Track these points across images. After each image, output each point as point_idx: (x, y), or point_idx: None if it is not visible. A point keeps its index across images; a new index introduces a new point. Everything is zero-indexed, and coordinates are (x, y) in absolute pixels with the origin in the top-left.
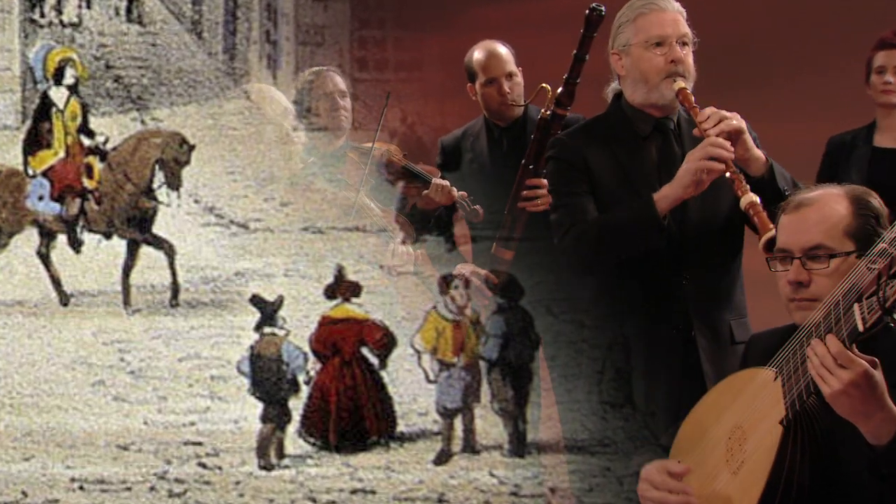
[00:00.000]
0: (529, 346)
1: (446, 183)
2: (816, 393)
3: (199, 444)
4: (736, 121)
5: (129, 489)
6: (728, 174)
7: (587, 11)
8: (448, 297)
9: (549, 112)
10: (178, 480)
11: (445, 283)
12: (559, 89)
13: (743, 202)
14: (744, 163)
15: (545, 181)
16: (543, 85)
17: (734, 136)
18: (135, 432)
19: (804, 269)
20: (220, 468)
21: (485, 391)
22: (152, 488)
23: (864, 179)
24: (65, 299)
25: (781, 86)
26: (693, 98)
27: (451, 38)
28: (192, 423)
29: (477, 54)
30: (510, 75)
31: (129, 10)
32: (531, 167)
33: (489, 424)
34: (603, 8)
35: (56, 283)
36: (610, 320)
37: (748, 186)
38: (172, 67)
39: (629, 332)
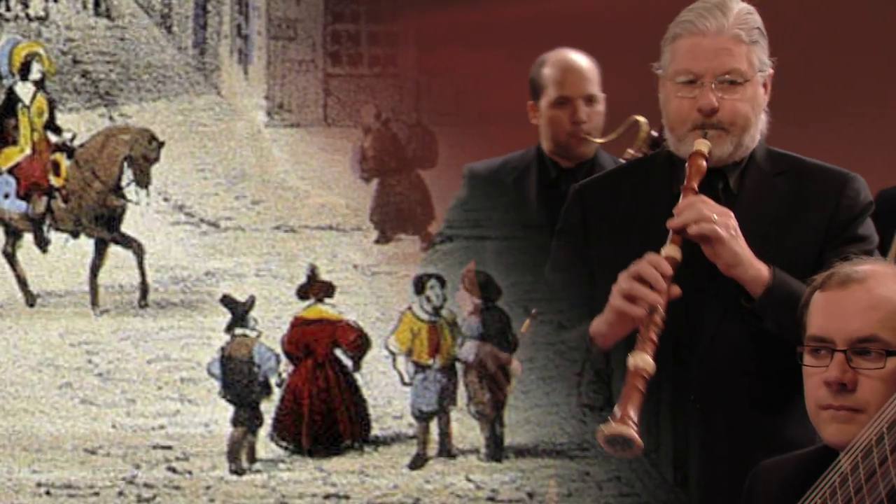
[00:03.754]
0: (507, 347)
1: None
2: None
3: (169, 447)
4: (718, 221)
5: (96, 494)
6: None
7: None
8: (424, 297)
9: (639, 156)
10: (147, 485)
11: (421, 283)
12: (657, 127)
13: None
14: (729, 274)
15: None
16: (637, 118)
17: (709, 242)
18: (103, 436)
19: (849, 366)
20: (190, 472)
21: (461, 394)
22: (121, 493)
23: None
24: (31, 300)
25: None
26: (704, 168)
27: (427, 32)
28: (162, 427)
29: (549, 65)
30: (591, 99)
31: (96, 4)
32: None
33: (465, 428)
34: None
35: (22, 283)
36: (589, 321)
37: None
38: (141, 62)
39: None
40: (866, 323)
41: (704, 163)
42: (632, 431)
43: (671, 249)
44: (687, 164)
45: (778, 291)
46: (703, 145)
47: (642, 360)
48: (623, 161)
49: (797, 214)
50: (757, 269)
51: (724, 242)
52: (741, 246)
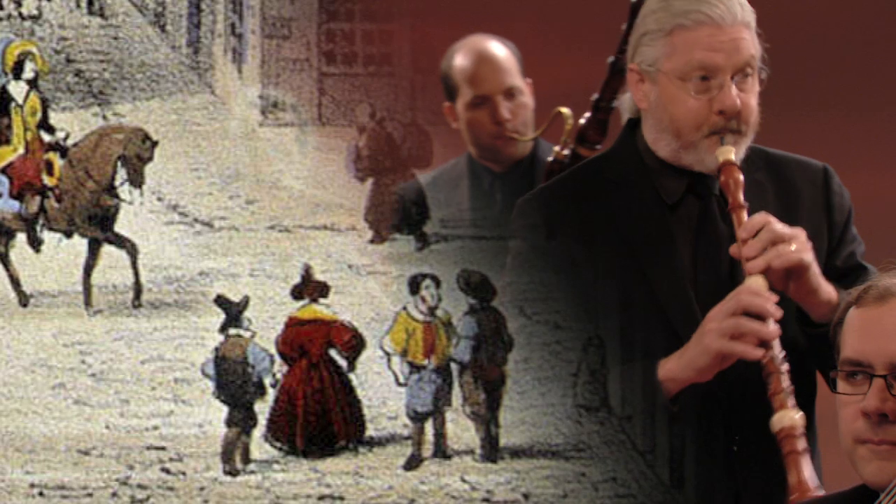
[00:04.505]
0: (502, 347)
1: None
2: None
3: (163, 448)
4: (797, 246)
5: (90, 495)
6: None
7: None
8: (418, 297)
9: (566, 152)
10: (140, 486)
11: (416, 283)
12: (584, 116)
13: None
14: (803, 301)
15: None
16: (561, 110)
17: (794, 272)
18: (96, 437)
19: (890, 394)
20: (183, 473)
21: (456, 394)
22: (114, 494)
23: None
24: (24, 300)
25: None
26: (741, 180)
27: (423, 31)
28: (156, 428)
29: (460, 58)
30: (511, 92)
31: (90, 3)
32: None
33: (461, 428)
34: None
35: (15, 283)
36: (585, 320)
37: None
38: (135, 61)
39: (603, 332)
40: None
41: (740, 174)
42: (817, 493)
43: (757, 280)
44: (721, 178)
45: None
46: (730, 153)
47: (789, 419)
48: (551, 160)
49: (790, 215)
50: (828, 291)
51: (811, 269)
52: (818, 267)
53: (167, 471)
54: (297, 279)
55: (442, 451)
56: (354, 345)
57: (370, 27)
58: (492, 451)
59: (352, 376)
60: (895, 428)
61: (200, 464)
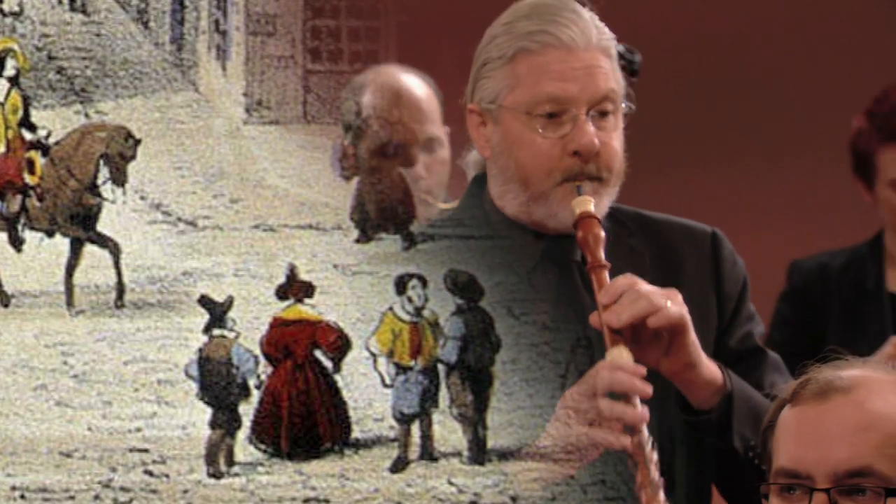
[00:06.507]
0: (490, 348)
1: None
2: None
3: (146, 450)
4: (672, 304)
5: (72, 498)
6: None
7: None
8: (405, 297)
9: None
10: (123, 489)
11: (402, 283)
12: None
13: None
14: (680, 379)
15: None
16: None
17: (671, 342)
18: (78, 439)
19: None
20: (167, 476)
21: (443, 396)
22: (97, 497)
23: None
24: (5, 300)
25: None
26: (602, 236)
27: (409, 28)
28: (138, 429)
29: (369, 96)
30: (430, 144)
31: None
32: None
33: (448, 430)
34: (637, 59)
35: None
36: (573, 321)
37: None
38: (118, 58)
39: (592, 334)
40: (857, 450)
41: (601, 229)
42: None
43: (620, 353)
44: (579, 234)
45: (739, 395)
46: (588, 203)
47: None
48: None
49: (671, 287)
50: (710, 369)
51: (689, 335)
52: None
53: (150, 473)
54: (281, 279)
55: (429, 454)
56: (340, 346)
57: (356, 24)
58: (479, 453)
59: (337, 377)
60: None
61: (184, 466)
